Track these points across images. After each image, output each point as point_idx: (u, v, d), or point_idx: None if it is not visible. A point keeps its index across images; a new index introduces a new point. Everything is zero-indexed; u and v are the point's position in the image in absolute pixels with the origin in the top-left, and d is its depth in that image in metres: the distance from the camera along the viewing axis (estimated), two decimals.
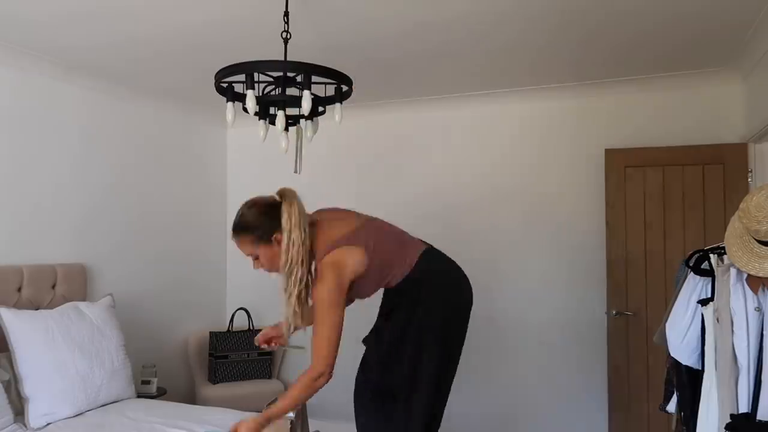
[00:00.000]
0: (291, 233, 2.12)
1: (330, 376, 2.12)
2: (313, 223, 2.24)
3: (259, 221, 2.20)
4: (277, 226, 2.16)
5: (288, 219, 2.13)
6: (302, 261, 2.14)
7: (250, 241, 2.22)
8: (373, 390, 2.30)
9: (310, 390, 2.12)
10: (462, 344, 2.37)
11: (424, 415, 2.23)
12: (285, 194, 2.21)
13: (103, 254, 3.90)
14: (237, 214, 2.27)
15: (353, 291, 2.27)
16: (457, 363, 2.36)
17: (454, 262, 2.39)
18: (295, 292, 2.15)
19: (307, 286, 2.18)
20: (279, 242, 2.17)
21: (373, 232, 2.27)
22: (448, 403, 2.38)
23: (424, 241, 2.40)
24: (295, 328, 2.28)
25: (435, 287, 2.26)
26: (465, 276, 2.40)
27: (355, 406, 2.34)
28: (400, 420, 2.22)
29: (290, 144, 2.63)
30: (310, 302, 2.22)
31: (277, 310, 5.31)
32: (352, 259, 2.17)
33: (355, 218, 2.33)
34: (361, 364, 2.38)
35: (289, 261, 2.13)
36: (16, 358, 2.91)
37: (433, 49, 3.30)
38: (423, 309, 2.23)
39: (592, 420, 3.90)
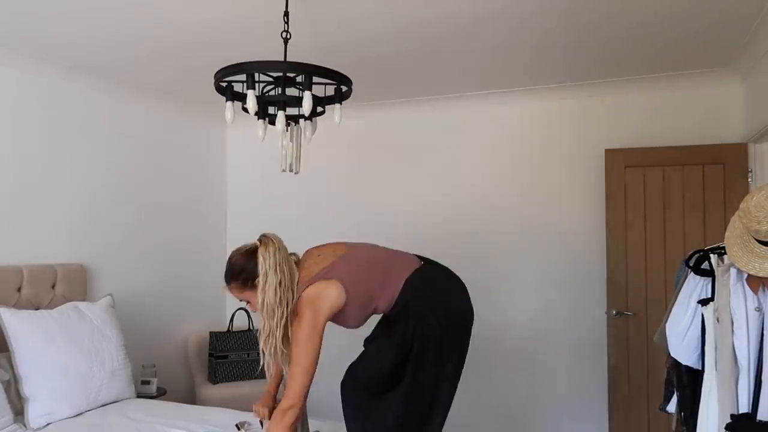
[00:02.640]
0: (267, 276, 2.18)
1: (300, 407, 2.18)
2: (297, 263, 2.32)
3: (241, 267, 2.27)
4: (256, 270, 2.22)
5: (263, 262, 2.20)
6: (280, 301, 2.18)
7: (237, 288, 2.30)
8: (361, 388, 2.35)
9: (286, 421, 2.15)
10: (463, 356, 2.40)
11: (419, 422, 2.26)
12: (262, 239, 2.29)
13: (102, 254, 3.90)
14: (226, 264, 2.35)
15: (339, 321, 2.32)
16: (458, 375, 2.37)
17: (449, 278, 2.42)
18: (278, 333, 2.19)
19: (286, 326, 2.22)
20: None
21: (352, 264, 2.32)
22: None
23: (419, 258, 2.42)
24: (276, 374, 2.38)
25: (425, 305, 2.29)
26: (461, 286, 2.43)
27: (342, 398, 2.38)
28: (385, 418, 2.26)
29: (289, 144, 2.62)
30: None
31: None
32: (329, 293, 2.22)
33: (335, 252, 2.37)
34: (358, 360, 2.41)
35: (266, 303, 2.18)
36: (16, 358, 2.91)
37: (432, 48, 3.30)
38: (415, 323, 2.26)
39: (592, 420, 3.90)
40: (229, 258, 2.34)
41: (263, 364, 2.28)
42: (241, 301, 2.35)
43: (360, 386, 2.34)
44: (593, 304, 3.90)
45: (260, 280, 2.19)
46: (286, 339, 2.21)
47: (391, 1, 2.69)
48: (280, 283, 2.18)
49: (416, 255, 2.45)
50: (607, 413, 3.79)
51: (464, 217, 4.30)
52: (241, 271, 2.27)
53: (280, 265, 2.20)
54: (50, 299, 3.42)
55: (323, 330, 2.21)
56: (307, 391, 2.20)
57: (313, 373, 2.18)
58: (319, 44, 3.11)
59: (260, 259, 2.21)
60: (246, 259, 2.28)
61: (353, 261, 2.35)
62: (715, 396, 1.91)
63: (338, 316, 2.29)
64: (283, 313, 2.18)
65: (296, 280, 2.25)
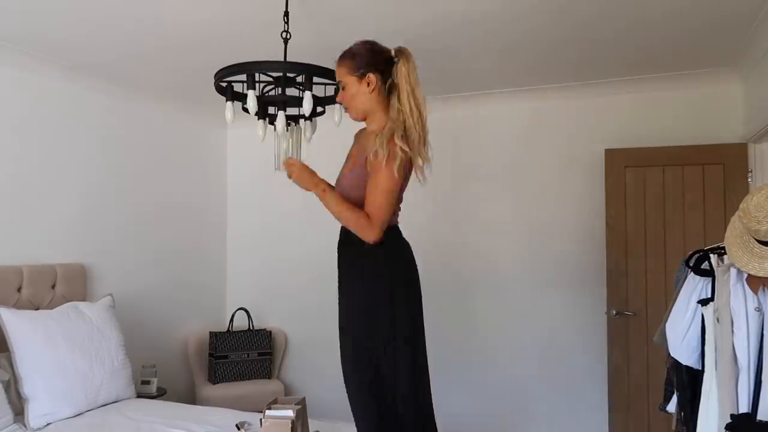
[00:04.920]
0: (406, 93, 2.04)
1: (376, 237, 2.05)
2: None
3: (372, 53, 2.11)
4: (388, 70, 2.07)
5: (403, 75, 2.05)
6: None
7: (347, 69, 2.13)
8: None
9: (353, 217, 2.04)
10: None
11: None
12: (398, 53, 2.09)
13: (102, 254, 3.90)
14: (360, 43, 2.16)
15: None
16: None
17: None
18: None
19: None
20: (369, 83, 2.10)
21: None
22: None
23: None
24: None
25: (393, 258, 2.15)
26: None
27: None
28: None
29: (290, 144, 2.63)
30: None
31: (276, 311, 5.33)
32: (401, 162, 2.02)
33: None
34: None
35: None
36: (16, 358, 2.91)
37: (431, 48, 3.30)
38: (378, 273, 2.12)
39: (592, 420, 3.90)
40: (368, 42, 2.13)
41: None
42: (338, 82, 2.16)
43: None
44: (593, 304, 3.90)
45: (398, 94, 2.03)
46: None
47: (389, 1, 2.69)
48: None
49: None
50: (607, 413, 3.79)
51: (463, 217, 4.30)
52: (373, 59, 2.08)
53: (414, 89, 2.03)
54: (50, 299, 3.42)
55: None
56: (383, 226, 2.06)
57: (383, 219, 2.06)
58: (319, 44, 3.10)
59: (400, 70, 2.04)
60: (381, 50, 2.09)
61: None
62: (715, 396, 1.91)
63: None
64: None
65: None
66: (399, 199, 2.14)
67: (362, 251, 2.10)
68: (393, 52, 2.10)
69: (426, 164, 2.15)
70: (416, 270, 2.22)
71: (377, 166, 2.02)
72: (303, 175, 2.15)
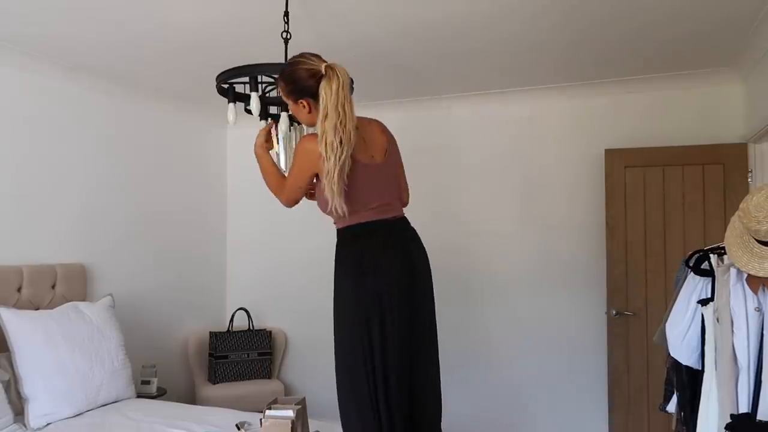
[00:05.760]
0: (327, 110, 2.08)
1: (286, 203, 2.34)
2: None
3: (301, 83, 2.17)
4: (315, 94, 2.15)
5: (324, 96, 2.09)
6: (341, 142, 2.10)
7: (284, 92, 2.23)
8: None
9: (269, 183, 2.40)
10: (413, 315, 2.23)
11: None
12: (328, 69, 2.12)
13: (102, 254, 3.90)
14: (290, 62, 2.23)
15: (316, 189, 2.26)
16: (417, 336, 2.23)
17: (392, 245, 2.24)
18: (334, 174, 2.10)
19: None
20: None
21: (366, 170, 2.19)
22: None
23: (393, 217, 2.27)
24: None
25: (346, 260, 2.23)
26: (406, 254, 2.26)
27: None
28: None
29: (291, 145, 2.63)
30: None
31: (276, 311, 5.33)
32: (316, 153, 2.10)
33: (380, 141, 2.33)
34: None
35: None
36: (16, 358, 2.91)
37: (432, 48, 3.30)
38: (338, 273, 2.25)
39: (592, 420, 3.90)
40: (294, 63, 2.16)
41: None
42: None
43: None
44: (593, 304, 3.91)
45: (320, 113, 2.08)
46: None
47: (390, 1, 2.69)
48: (340, 122, 2.07)
49: (394, 217, 2.29)
50: (607, 413, 3.79)
51: (463, 218, 4.30)
52: (301, 87, 2.15)
53: (342, 103, 2.07)
54: (50, 299, 3.42)
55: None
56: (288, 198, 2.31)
57: (286, 195, 2.31)
58: (319, 44, 3.10)
59: (322, 91, 2.08)
60: (308, 76, 2.12)
61: (373, 170, 2.21)
62: (715, 396, 1.91)
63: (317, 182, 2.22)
64: (343, 153, 2.06)
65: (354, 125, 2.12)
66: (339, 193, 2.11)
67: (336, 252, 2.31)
68: (323, 70, 2.12)
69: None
70: (374, 274, 2.19)
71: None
72: (257, 140, 2.39)
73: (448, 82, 4.00)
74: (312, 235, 4.30)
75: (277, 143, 2.51)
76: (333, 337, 2.25)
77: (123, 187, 4.09)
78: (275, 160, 2.54)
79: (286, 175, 2.42)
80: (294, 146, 2.55)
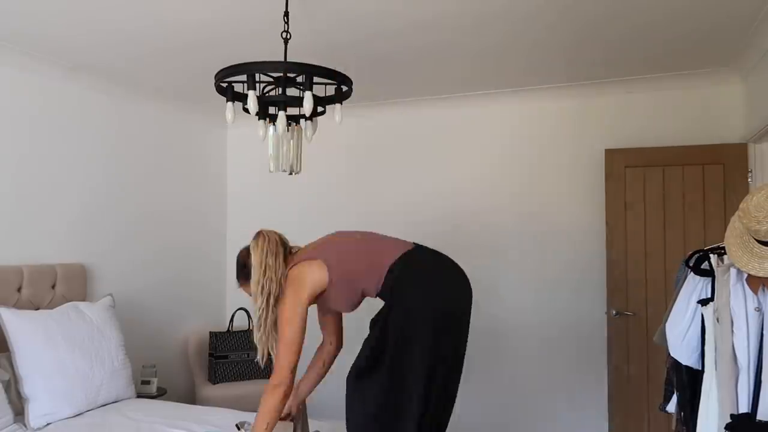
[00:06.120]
0: (253, 268, 2.35)
1: (288, 386, 2.22)
2: (295, 253, 2.43)
3: (242, 264, 2.49)
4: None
5: (253, 257, 2.37)
6: (261, 289, 2.32)
7: (242, 282, 2.52)
8: (357, 374, 2.31)
9: (272, 400, 2.19)
10: (460, 341, 2.32)
11: (415, 411, 2.18)
12: (256, 235, 2.45)
13: (102, 254, 3.90)
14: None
15: (327, 302, 2.37)
16: (455, 361, 2.30)
17: (443, 261, 2.35)
18: (263, 319, 2.33)
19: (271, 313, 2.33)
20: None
21: (339, 245, 2.39)
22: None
23: (413, 243, 2.37)
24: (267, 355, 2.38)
25: (410, 288, 2.23)
26: (457, 272, 2.34)
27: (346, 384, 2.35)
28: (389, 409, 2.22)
29: (291, 144, 2.63)
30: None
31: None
32: (310, 271, 2.29)
33: (326, 237, 2.48)
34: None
35: (253, 293, 2.35)
36: (16, 358, 2.91)
37: (432, 48, 3.30)
38: (398, 310, 2.21)
39: (592, 420, 3.90)
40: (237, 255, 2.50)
41: (259, 357, 2.35)
42: (250, 296, 2.42)
43: (352, 371, 2.31)
44: (593, 304, 3.91)
45: (252, 272, 2.32)
46: (275, 326, 2.29)
47: (390, 0, 2.69)
48: (264, 273, 2.29)
49: (414, 243, 2.39)
50: (607, 413, 3.79)
51: (464, 218, 4.29)
52: (242, 266, 2.44)
53: (266, 256, 2.32)
54: (50, 299, 3.42)
55: (306, 308, 2.27)
56: (294, 369, 2.22)
57: (297, 350, 2.22)
58: (319, 44, 3.11)
59: (251, 253, 2.35)
60: (244, 255, 2.44)
61: (340, 243, 2.41)
62: (715, 396, 1.91)
63: (326, 297, 2.32)
64: (264, 301, 2.29)
65: (282, 271, 2.32)
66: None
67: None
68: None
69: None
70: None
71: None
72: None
73: (449, 82, 4.00)
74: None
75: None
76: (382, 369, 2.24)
77: (123, 187, 4.08)
78: (275, 161, 2.58)
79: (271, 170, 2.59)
80: (289, 147, 2.57)
